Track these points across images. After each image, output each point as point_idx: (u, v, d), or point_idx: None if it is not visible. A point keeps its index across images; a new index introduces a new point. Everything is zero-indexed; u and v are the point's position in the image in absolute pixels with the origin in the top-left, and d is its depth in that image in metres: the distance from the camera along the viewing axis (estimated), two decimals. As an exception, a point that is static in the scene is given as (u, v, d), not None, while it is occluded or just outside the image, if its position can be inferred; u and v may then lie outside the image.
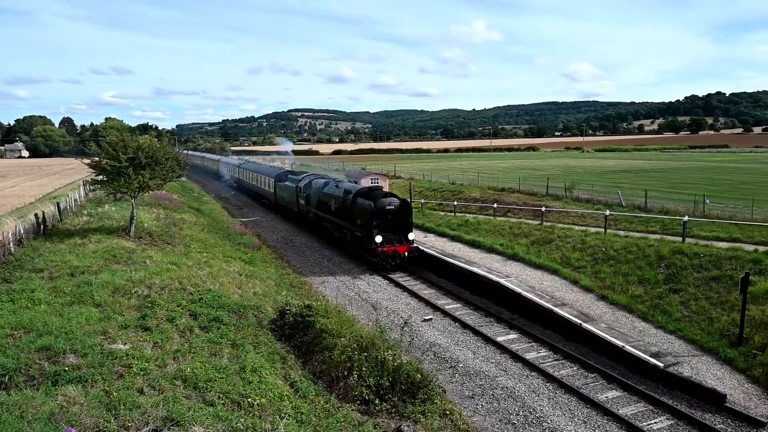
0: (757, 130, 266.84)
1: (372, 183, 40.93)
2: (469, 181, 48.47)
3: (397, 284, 21.11)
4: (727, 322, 14.34)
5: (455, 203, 34.34)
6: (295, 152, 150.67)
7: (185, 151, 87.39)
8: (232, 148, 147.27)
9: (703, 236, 21.32)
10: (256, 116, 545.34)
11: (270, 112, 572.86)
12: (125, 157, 18.45)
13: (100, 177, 19.70)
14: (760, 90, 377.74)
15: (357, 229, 23.54)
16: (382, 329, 11.80)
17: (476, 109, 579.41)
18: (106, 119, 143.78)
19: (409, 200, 27.91)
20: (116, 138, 20.18)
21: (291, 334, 12.34)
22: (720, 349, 13.45)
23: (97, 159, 19.47)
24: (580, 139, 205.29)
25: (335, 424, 8.34)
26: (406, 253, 22.69)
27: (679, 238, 20.86)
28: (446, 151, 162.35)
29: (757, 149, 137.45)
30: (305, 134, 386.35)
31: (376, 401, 10.10)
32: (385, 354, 10.81)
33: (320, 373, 10.75)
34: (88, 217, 22.51)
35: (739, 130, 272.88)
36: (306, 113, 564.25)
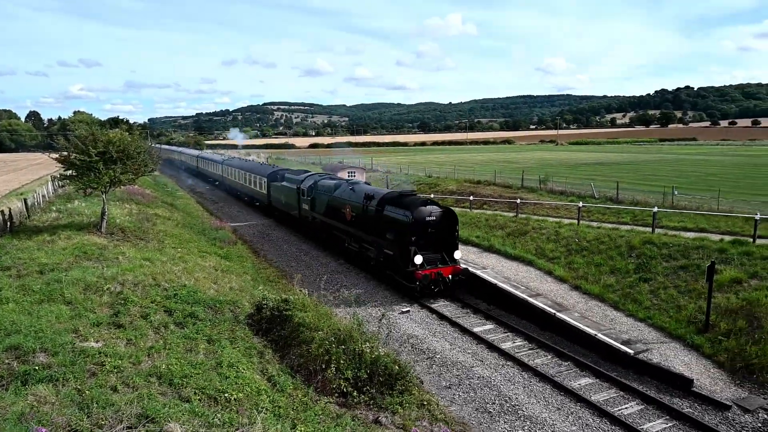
0: (724, 123, 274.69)
1: (349, 176, 40.85)
2: (445, 174, 48.78)
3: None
4: (694, 310, 14.81)
5: (431, 196, 34.51)
6: (272, 146, 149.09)
7: (158, 145, 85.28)
8: (207, 143, 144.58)
9: (672, 227, 21.92)
10: (231, 109, 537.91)
11: (245, 105, 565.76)
12: (95, 152, 18.00)
13: (69, 172, 19.19)
14: (727, 84, 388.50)
15: (386, 245, 18.68)
16: (359, 322, 11.83)
17: (453, 102, 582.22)
18: (75, 113, 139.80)
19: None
20: (85, 132, 19.67)
21: (268, 329, 12.28)
22: (687, 336, 13.90)
23: (65, 153, 18.96)
24: (554, 132, 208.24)
25: (313, 416, 8.34)
26: (450, 277, 18.10)
27: (649, 229, 21.40)
28: (423, 144, 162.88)
29: (723, 142, 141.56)
30: (281, 128, 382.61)
31: (354, 393, 10.14)
32: (363, 346, 10.85)
33: (298, 366, 10.73)
34: (57, 213, 21.93)
35: (707, 124, 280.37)
36: (282, 106, 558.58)
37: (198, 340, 10.09)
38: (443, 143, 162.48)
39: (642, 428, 10.33)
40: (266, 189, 33.97)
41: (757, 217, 18.84)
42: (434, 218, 18.15)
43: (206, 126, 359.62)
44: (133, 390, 7.38)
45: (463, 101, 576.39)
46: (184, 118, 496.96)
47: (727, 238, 18.97)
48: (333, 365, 10.30)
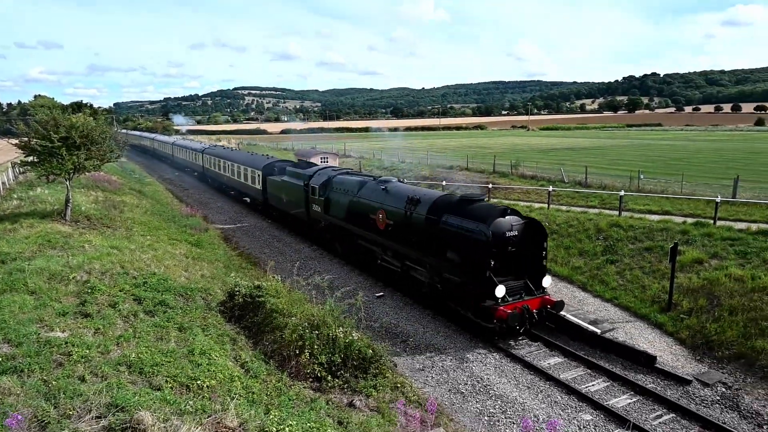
0: (688, 109, 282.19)
1: (322, 162, 40.54)
2: (418, 159, 48.90)
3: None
4: (658, 290, 15.34)
5: (404, 181, 34.56)
6: (243, 131, 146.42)
7: (124, 131, 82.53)
8: (175, 127, 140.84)
9: (638, 210, 22.53)
10: (200, 94, 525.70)
11: (215, 90, 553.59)
12: (57, 137, 17.39)
13: (30, 158, 18.52)
14: (691, 71, 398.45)
15: (447, 268, 14.01)
16: (333, 307, 11.85)
17: (425, 88, 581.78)
18: (36, 97, 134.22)
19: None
20: (47, 116, 18.96)
21: (241, 315, 12.20)
22: (651, 315, 14.40)
23: (26, 139, 18.26)
24: (525, 117, 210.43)
25: (287, 401, 8.36)
26: (536, 311, 13.28)
27: (616, 212, 21.95)
28: (396, 129, 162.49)
29: (687, 127, 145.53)
30: (252, 113, 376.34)
31: (329, 378, 10.21)
32: (337, 331, 10.90)
33: (272, 352, 10.72)
34: (19, 201, 21.18)
35: (672, 110, 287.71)
36: (253, 91, 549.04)
37: (169, 328, 9.96)
38: (416, 129, 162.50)
39: (608, 404, 10.69)
40: (261, 184, 29.01)
41: (718, 199, 19.50)
42: (516, 233, 13.26)
43: (175, 111, 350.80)
44: (102, 379, 7.26)
45: (436, 87, 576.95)
46: (151, 102, 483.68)
47: (690, 220, 19.61)
48: (307, 350, 10.32)
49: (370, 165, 46.42)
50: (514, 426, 10.05)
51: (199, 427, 5.89)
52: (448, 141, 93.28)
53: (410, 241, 15.72)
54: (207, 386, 7.77)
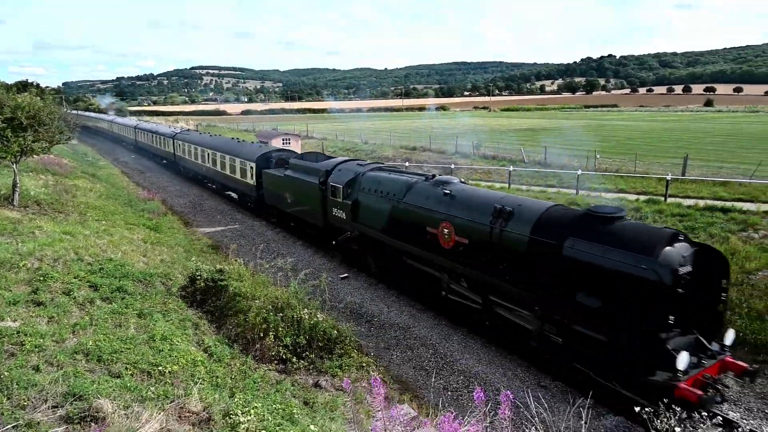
0: (642, 90, 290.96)
1: (284, 144, 39.93)
2: (381, 140, 48.82)
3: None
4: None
5: (367, 161, 34.53)
6: (202, 113, 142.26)
7: (75, 112, 78.70)
8: (131, 109, 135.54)
9: (594, 188, 23.25)
10: (155, 74, 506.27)
11: (171, 69, 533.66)
12: (1, 118, 16.48)
13: (-28, 141, 17.48)
14: (645, 53, 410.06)
15: (580, 319, 9.80)
16: (297, 289, 11.83)
17: (388, 68, 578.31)
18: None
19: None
20: (-12, 96, 17.89)
21: (203, 300, 12.03)
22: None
23: (-35, 120, 17.19)
24: (487, 98, 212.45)
25: (252, 384, 8.35)
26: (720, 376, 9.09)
27: (574, 191, 22.58)
28: (359, 110, 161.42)
29: (641, 108, 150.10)
30: (211, 93, 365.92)
31: (294, 359, 10.24)
32: (302, 313, 10.90)
33: (236, 336, 10.64)
34: (-39, 186, 20.04)
35: (627, 91, 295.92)
36: (211, 71, 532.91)
37: (128, 314, 9.73)
38: (379, 109, 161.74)
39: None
40: (254, 178, 24.44)
41: (668, 177, 20.34)
42: (689, 267, 9.07)
43: (129, 91, 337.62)
44: (58, 369, 7.05)
45: (398, 67, 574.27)
46: (103, 82, 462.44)
47: (643, 197, 20.40)
48: (271, 333, 10.29)
49: (332, 146, 46.04)
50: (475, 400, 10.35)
51: (162, 413, 5.82)
52: (411, 122, 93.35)
53: (499, 270, 11.37)
54: (169, 372, 7.66)
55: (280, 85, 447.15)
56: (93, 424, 5.43)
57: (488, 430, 3.70)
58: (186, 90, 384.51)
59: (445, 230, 12.92)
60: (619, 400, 9.08)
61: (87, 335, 8.43)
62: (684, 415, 3.30)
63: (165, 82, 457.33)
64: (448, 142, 42.35)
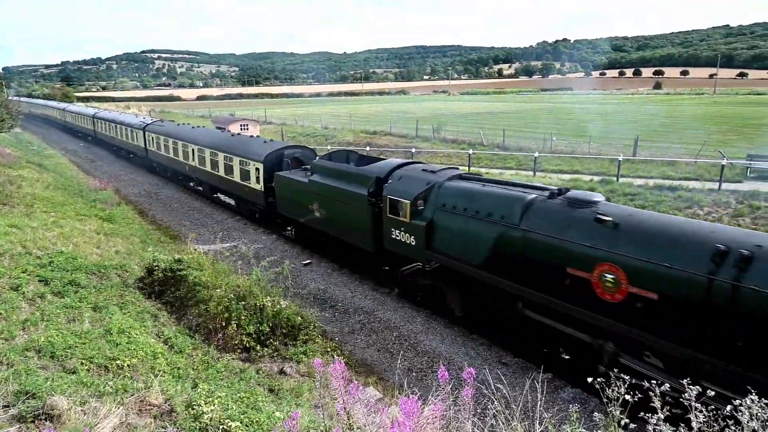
0: (595, 74, 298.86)
1: (242, 129, 39.11)
2: (342, 125, 48.45)
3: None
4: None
5: (329, 148, 34.26)
6: (155, 98, 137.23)
7: (16, 98, 74.44)
8: (78, 95, 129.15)
9: (551, 170, 23.85)
10: (104, 57, 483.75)
11: (121, 53, 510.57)
12: (-67, 105, 15.46)
13: None
14: (597, 37, 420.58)
15: None
16: (259, 277, 11.70)
17: (347, 52, 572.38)
18: None
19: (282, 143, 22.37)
20: None
21: (161, 291, 11.75)
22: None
23: None
24: (446, 82, 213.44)
25: (215, 374, 8.26)
26: None
27: (531, 173, 23.09)
28: (318, 95, 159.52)
29: (594, 91, 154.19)
30: (164, 78, 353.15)
31: (258, 347, 10.17)
32: (264, 301, 10.81)
33: (197, 326, 10.47)
34: None
35: (581, 74, 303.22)
36: (163, 55, 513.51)
37: (82, 308, 9.39)
38: (339, 94, 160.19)
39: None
40: (261, 183, 19.99)
41: (620, 158, 21.05)
42: None
43: (75, 76, 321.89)
44: (8, 367, 6.76)
45: (357, 51, 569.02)
46: (47, 67, 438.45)
47: (596, 178, 21.07)
48: (234, 322, 10.18)
49: (292, 132, 45.39)
50: (438, 379, 10.56)
51: (121, 407, 5.69)
52: (371, 106, 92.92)
53: (730, 348, 7.54)
54: (128, 365, 7.47)
55: (237, 69, 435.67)
56: (48, 422, 5.26)
57: (451, 408, 3.79)
58: (137, 75, 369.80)
59: (608, 276, 8.85)
60: (575, 374, 9.69)
61: (38, 331, 8.10)
62: (633, 382, 3.48)
63: (114, 66, 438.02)
64: (409, 126, 42.42)
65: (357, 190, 14.74)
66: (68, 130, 58.09)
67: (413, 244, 12.92)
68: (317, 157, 18.59)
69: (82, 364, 7.21)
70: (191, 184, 28.57)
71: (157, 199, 26.76)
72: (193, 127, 30.49)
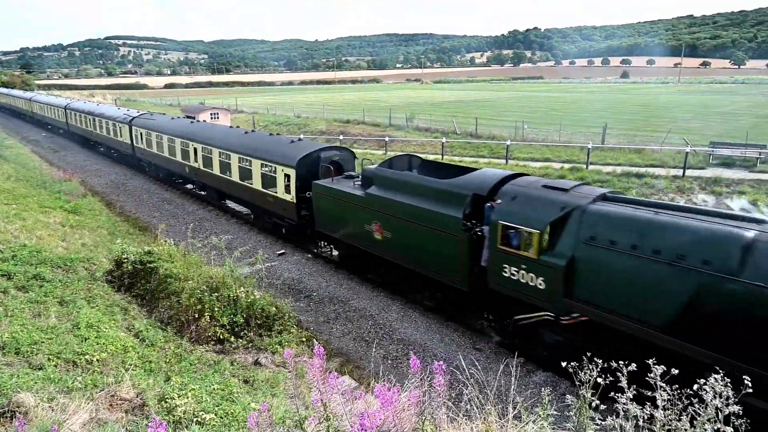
0: (565, 63, 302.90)
1: (212, 118, 38.40)
2: (314, 114, 47.99)
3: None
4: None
5: (301, 137, 33.93)
6: (120, 86, 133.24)
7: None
8: (38, 83, 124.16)
9: (522, 158, 24.15)
10: (65, 44, 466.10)
11: (83, 39, 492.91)
12: None
13: None
14: (567, 26, 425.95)
15: None
16: (232, 268, 11.56)
17: (319, 40, 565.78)
18: None
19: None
20: None
21: (131, 284, 11.49)
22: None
23: None
24: (419, 71, 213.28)
25: (189, 366, 8.15)
26: None
27: (504, 161, 23.33)
28: (290, 83, 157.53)
29: (564, 80, 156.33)
30: (130, 66, 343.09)
31: (232, 339, 10.07)
32: (238, 291, 10.69)
33: (169, 319, 10.29)
34: None
35: (551, 63, 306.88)
36: (129, 41, 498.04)
37: (47, 303, 9.13)
38: (311, 82, 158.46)
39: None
40: (293, 192, 16.68)
41: (590, 146, 21.44)
42: None
43: (35, 63, 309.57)
44: (-29, 365, 6.53)
45: (329, 39, 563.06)
46: (4, 53, 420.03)
47: (567, 165, 21.44)
48: (207, 313, 10.05)
49: (264, 121, 44.76)
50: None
51: (91, 403, 5.57)
52: (344, 95, 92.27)
53: None
54: (97, 360, 7.30)
55: (206, 56, 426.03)
56: (14, 419, 5.11)
57: (426, 395, 3.82)
58: (101, 62, 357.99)
59: None
60: (547, 358, 10.12)
61: (2, 327, 7.84)
62: (605, 365, 3.56)
63: (77, 53, 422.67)
64: (382, 115, 42.28)
65: (444, 211, 11.50)
66: (36, 122, 53.76)
67: (542, 287, 9.74)
68: (375, 164, 14.55)
69: (49, 359, 7.02)
70: (190, 187, 25.65)
71: (124, 190, 26.11)
72: (192, 121, 27.49)
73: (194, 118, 34.33)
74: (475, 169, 13.05)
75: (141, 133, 28.68)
